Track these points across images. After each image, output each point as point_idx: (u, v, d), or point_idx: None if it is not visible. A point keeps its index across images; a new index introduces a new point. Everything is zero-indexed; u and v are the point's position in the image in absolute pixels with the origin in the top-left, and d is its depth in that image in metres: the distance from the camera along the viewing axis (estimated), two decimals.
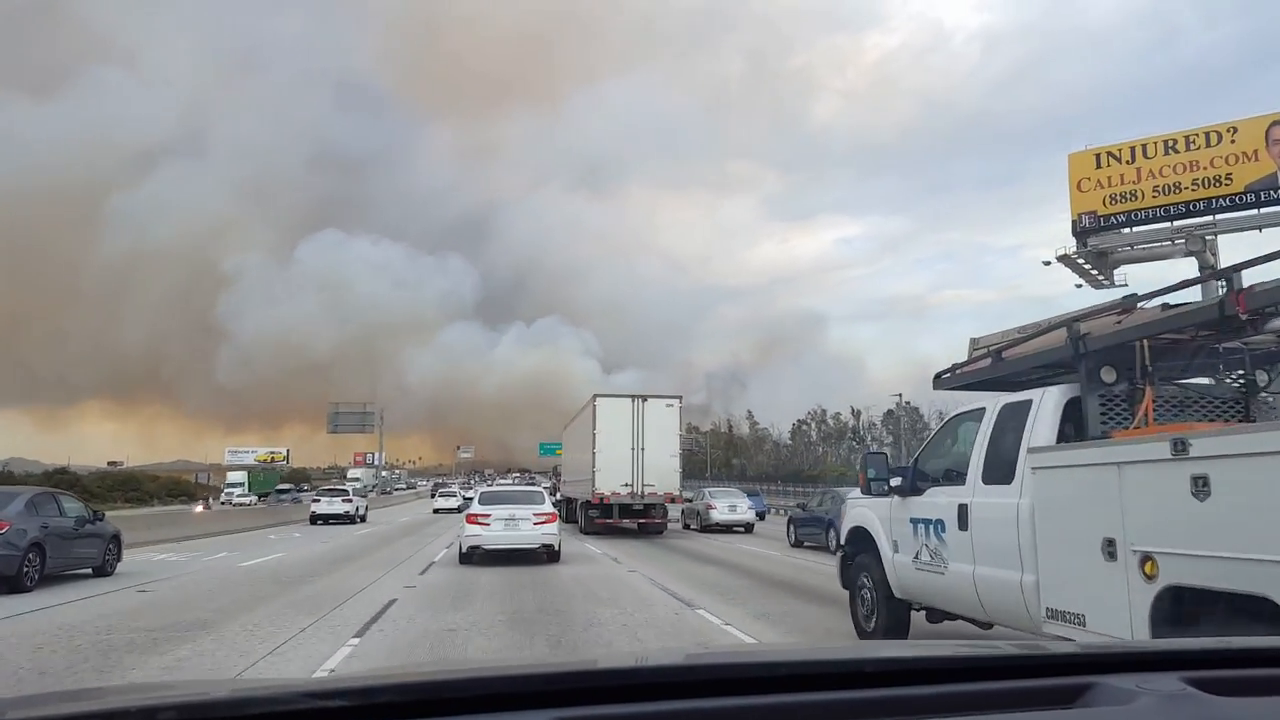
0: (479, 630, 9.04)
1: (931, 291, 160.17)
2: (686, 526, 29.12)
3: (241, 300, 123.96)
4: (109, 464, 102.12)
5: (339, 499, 35.11)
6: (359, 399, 64.54)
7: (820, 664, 1.42)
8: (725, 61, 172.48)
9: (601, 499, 24.79)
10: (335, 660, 7.48)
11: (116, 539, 15.24)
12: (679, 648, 7.44)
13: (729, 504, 28.09)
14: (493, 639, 8.55)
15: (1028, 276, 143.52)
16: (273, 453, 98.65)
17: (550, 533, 16.20)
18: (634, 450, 25.03)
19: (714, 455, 76.66)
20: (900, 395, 62.95)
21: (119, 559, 15.30)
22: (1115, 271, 36.86)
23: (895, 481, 6.93)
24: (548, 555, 16.20)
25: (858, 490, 7.53)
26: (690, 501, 29.33)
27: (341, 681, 1.24)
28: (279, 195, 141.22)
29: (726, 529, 27.82)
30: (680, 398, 25.84)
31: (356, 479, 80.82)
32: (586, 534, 26.28)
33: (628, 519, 25.65)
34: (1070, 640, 3.80)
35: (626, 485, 24.89)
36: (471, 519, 16.21)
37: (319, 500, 35.45)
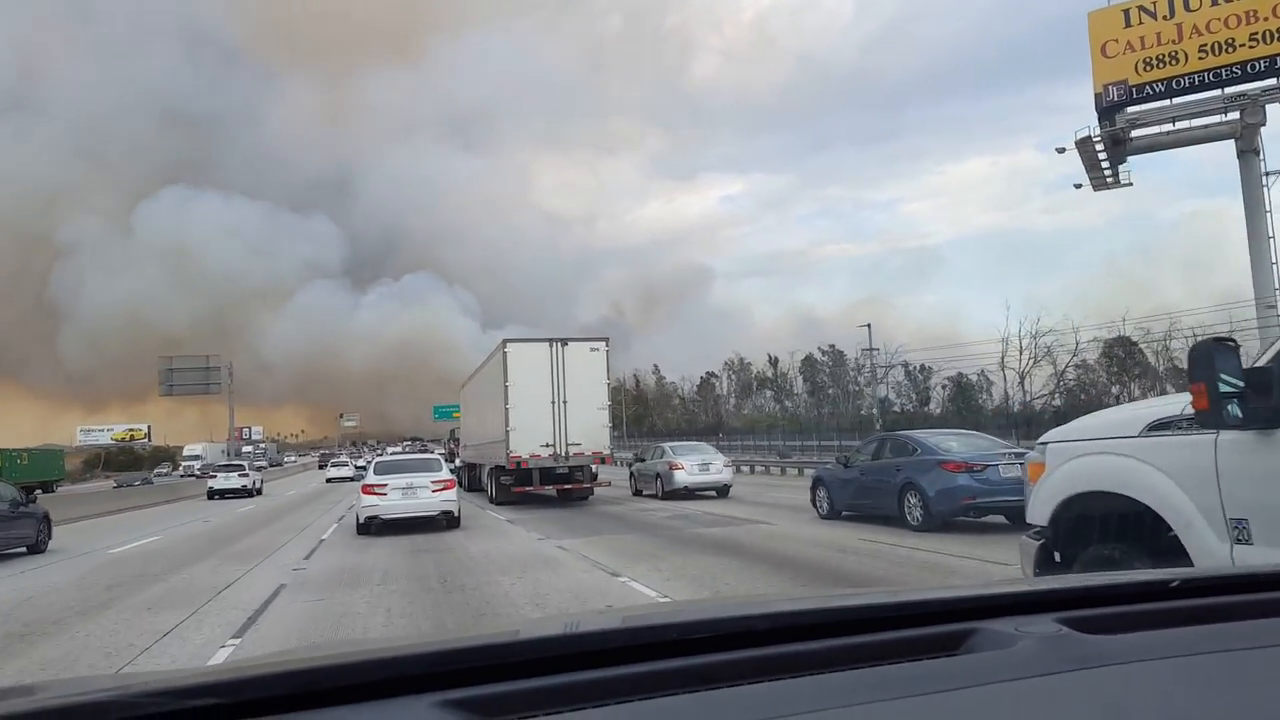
0: None
1: (813, 246, 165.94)
2: (638, 493, 24.38)
3: (80, 273, 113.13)
4: None
5: (235, 474, 36.88)
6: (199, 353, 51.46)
7: (705, 624, 1.40)
8: (602, 18, 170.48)
9: (518, 463, 21.33)
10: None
11: (47, 519, 16.77)
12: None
13: (699, 462, 22.36)
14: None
15: (905, 229, 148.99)
16: (132, 430, 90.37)
17: (449, 499, 16.51)
18: (555, 404, 21.60)
19: (626, 412, 73.75)
20: (833, 346, 61.14)
21: (50, 536, 16.76)
22: (1121, 167, 32.00)
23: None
24: (447, 521, 16.48)
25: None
26: (642, 462, 25.17)
27: (207, 675, 1.11)
28: (121, 157, 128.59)
29: (692, 494, 22.09)
30: (606, 339, 22.44)
31: (196, 455, 75.81)
32: (500, 504, 22.85)
33: (550, 485, 22.27)
34: (946, 586, 3.39)
35: (548, 446, 21.48)
36: (367, 489, 16.30)
37: (215, 476, 37.39)
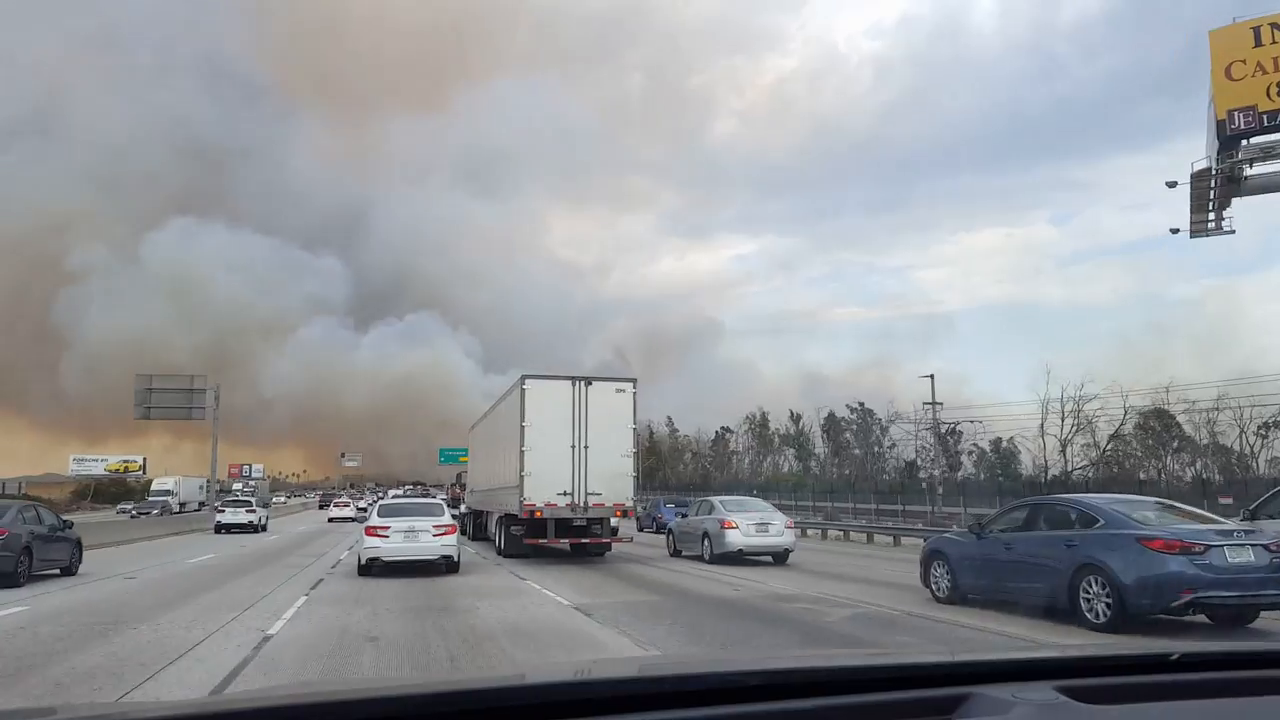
0: None
1: (823, 308, 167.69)
2: (677, 554, 21.69)
3: (85, 302, 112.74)
4: None
5: (243, 509, 38.66)
6: (185, 375, 44.87)
7: (699, 678, 1.45)
8: (625, 76, 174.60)
9: (532, 512, 19.49)
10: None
11: (79, 544, 18.17)
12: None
13: (756, 521, 19.09)
14: None
15: (915, 295, 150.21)
16: (126, 462, 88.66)
17: (449, 544, 16.80)
18: (575, 449, 19.84)
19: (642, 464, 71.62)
20: (860, 404, 59.30)
21: (81, 561, 18.15)
22: (1225, 211, 28.25)
23: None
24: (446, 566, 16.84)
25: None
26: (684, 518, 22.60)
27: (209, 705, 1.31)
28: (136, 186, 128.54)
29: (743, 558, 19.04)
30: (634, 381, 20.75)
31: (165, 490, 67.94)
32: (509, 556, 20.96)
33: (565, 538, 20.40)
34: (945, 649, 3.52)
35: (565, 494, 19.66)
36: (370, 531, 16.69)
37: (223, 510, 38.73)
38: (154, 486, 73.73)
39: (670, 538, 22.36)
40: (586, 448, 19.88)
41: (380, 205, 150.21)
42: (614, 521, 20.49)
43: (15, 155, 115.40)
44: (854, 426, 64.78)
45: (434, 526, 16.77)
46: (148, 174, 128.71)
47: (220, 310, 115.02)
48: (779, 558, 19.54)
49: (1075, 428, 50.40)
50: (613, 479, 19.96)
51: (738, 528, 19.07)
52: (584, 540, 20.38)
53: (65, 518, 19.54)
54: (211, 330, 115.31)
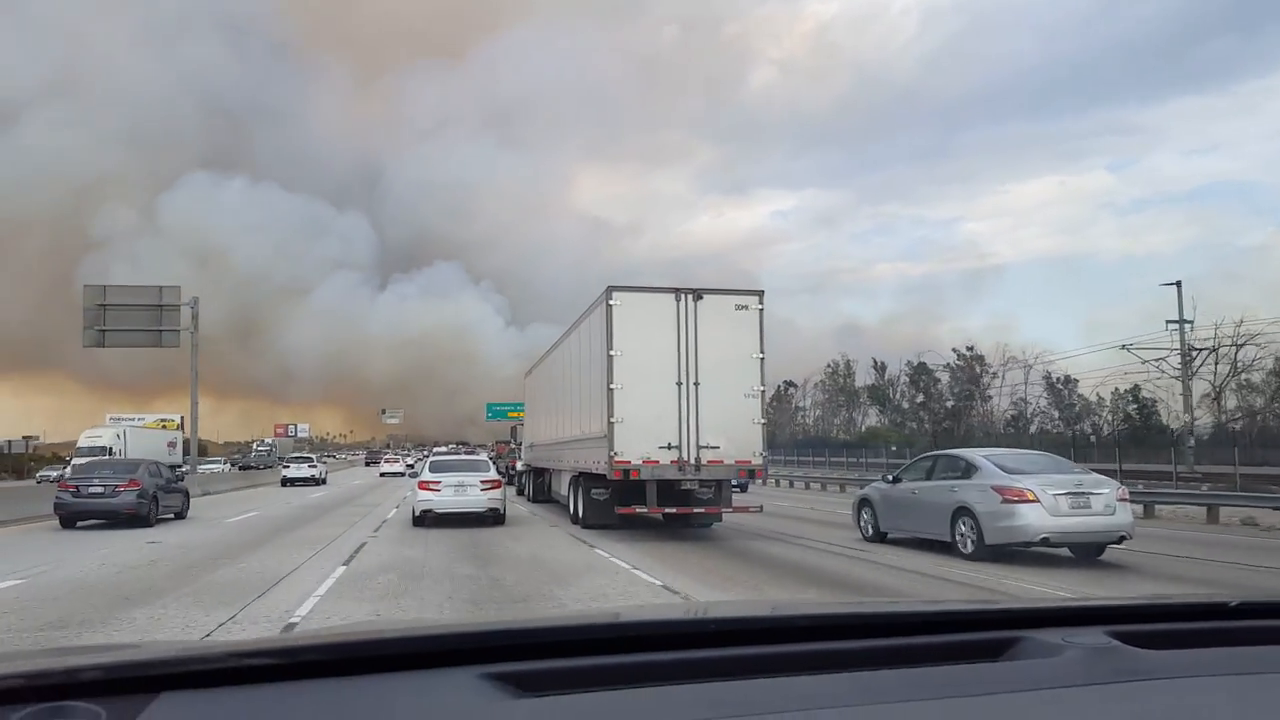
0: None
1: (866, 265, 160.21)
2: (879, 536, 14.39)
3: (110, 265, 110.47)
4: (25, 438, 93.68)
5: (305, 465, 43.21)
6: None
7: (750, 620, 1.56)
8: (659, 27, 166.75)
9: (626, 472, 14.53)
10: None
11: (187, 494, 21.81)
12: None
13: (1067, 489, 11.54)
14: None
15: (962, 249, 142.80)
16: (164, 420, 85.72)
17: (496, 498, 17.63)
18: (682, 387, 14.81)
19: None
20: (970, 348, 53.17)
21: (189, 508, 21.46)
22: None
23: None
24: (494, 518, 17.63)
25: None
26: (895, 483, 14.17)
27: (266, 642, 1.34)
28: (161, 147, 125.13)
29: (1025, 549, 11.82)
30: (760, 294, 15.51)
31: (100, 447, 45.70)
32: (590, 528, 16.26)
33: (672, 506, 15.44)
34: (999, 596, 3.50)
35: (670, 448, 14.67)
36: (423, 485, 17.75)
37: (288, 466, 43.89)
38: (83, 441, 50.20)
39: (866, 511, 14.94)
40: (697, 385, 14.82)
41: (404, 161, 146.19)
42: (735, 483, 15.49)
43: (43, 120, 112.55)
44: (951, 374, 58.65)
45: (481, 481, 17.68)
46: (172, 134, 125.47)
47: (244, 271, 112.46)
48: (1094, 548, 12.18)
49: (1233, 372, 43.87)
50: (734, 427, 14.90)
51: (1038, 500, 11.26)
52: (685, 510, 15.42)
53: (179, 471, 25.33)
54: (236, 291, 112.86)
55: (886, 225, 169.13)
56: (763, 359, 15.22)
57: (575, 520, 17.69)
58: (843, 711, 1.06)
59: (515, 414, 48.09)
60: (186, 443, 48.89)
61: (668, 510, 15.34)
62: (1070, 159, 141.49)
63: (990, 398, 58.47)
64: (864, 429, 63.59)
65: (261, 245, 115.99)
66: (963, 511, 11.89)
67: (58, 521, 18.15)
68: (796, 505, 24.67)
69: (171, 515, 19.97)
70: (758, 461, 15.02)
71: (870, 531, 14.59)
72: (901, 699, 1.11)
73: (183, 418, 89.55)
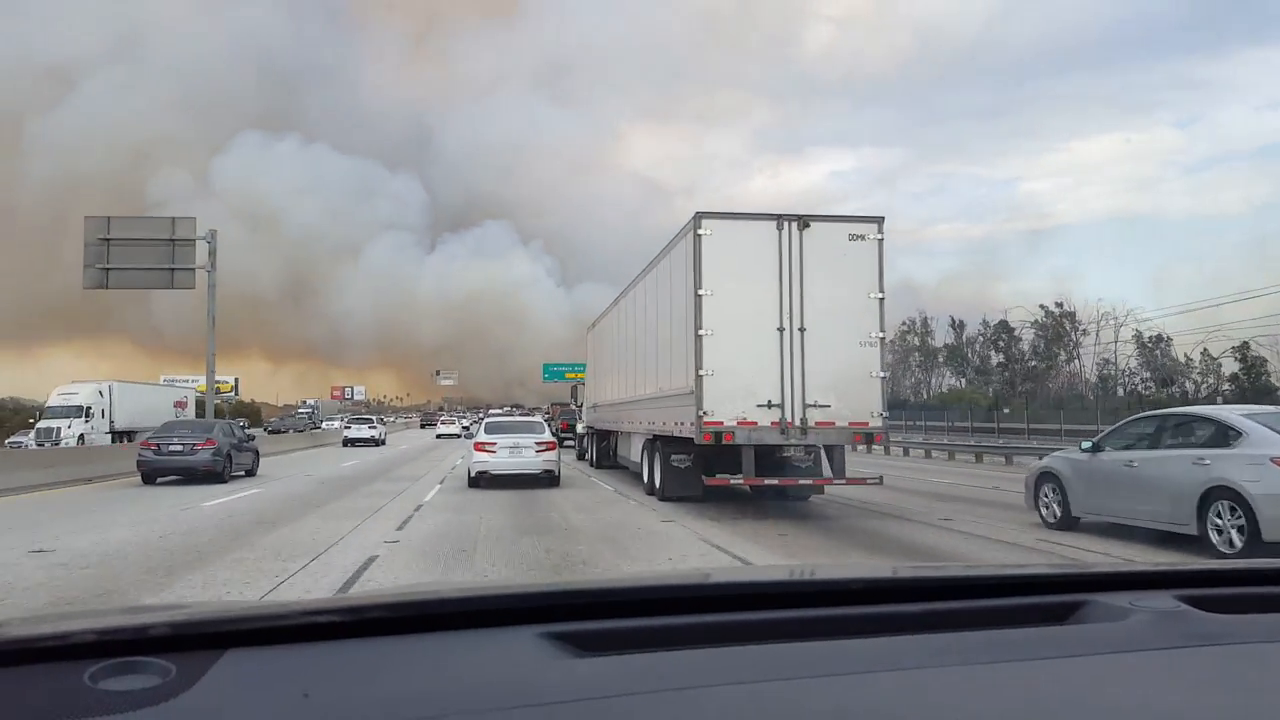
0: None
1: (923, 225, 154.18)
2: (1069, 520, 11.01)
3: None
4: None
5: (365, 426, 44.10)
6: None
7: (807, 583, 1.53)
8: None
9: (718, 435, 12.12)
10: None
11: (257, 453, 22.63)
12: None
13: None
14: None
15: (1022, 209, 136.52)
16: (218, 382, 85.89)
17: (551, 459, 17.44)
18: (785, 334, 12.34)
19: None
20: None
21: (259, 465, 22.33)
22: None
23: None
24: (548, 480, 17.43)
25: None
26: (1098, 452, 10.64)
27: (333, 601, 1.35)
28: (216, 109, 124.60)
29: None
30: (879, 221, 12.87)
31: (75, 407, 39.74)
32: (669, 500, 14.04)
33: (773, 478, 13.01)
34: (1066, 561, 3.29)
35: (770, 406, 12.24)
36: (479, 447, 17.62)
37: (350, 427, 44.68)
38: (54, 399, 41.84)
39: (1050, 489, 11.35)
40: (802, 331, 12.33)
41: (456, 121, 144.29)
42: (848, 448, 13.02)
43: (101, 84, 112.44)
44: (1037, 332, 54.84)
45: (536, 443, 17.50)
46: (227, 97, 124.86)
47: (297, 233, 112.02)
48: None
49: None
50: (847, 382, 12.39)
51: None
52: (804, 480, 13.00)
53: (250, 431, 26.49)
54: (290, 252, 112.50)
55: (945, 184, 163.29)
56: (882, 299, 12.62)
57: (651, 491, 15.41)
58: (905, 674, 1.05)
59: (574, 375, 46.19)
60: (205, 405, 42.22)
61: (768, 481, 12.89)
62: (1135, 114, 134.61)
63: (1076, 358, 54.68)
64: (944, 390, 60.21)
65: (314, 207, 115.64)
66: (1220, 493, 8.74)
67: (139, 478, 19.15)
68: (915, 476, 21.19)
69: (243, 473, 20.90)
70: (876, 424, 12.47)
71: (1056, 515, 11.09)
72: (964, 662, 1.09)
73: (237, 380, 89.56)
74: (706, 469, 13.61)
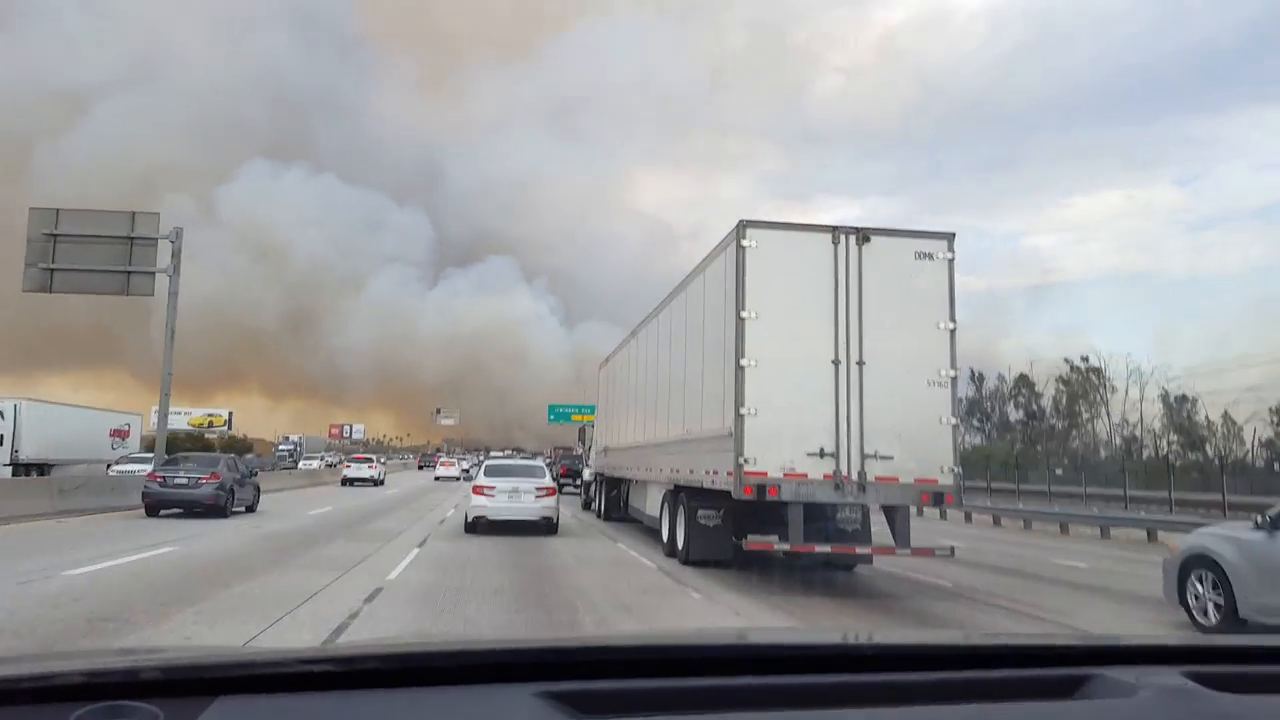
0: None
1: None
2: (1239, 625, 8.05)
3: (165, 258, 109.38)
4: None
5: (365, 466, 43.59)
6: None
7: (820, 647, 1.48)
8: (726, 33, 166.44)
9: (761, 489, 10.09)
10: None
11: (258, 488, 22.48)
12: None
13: None
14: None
15: (1026, 263, 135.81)
16: (211, 415, 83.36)
17: (550, 506, 16.90)
18: (840, 367, 10.39)
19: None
20: None
21: (259, 501, 22.16)
22: None
23: None
24: (546, 527, 16.81)
25: None
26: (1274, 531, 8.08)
27: (329, 650, 1.32)
28: (226, 138, 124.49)
29: None
30: (950, 238, 10.95)
31: None
32: (694, 564, 12.10)
33: (824, 544, 10.90)
34: (1071, 632, 3.45)
35: (823, 456, 10.21)
36: (477, 490, 17.07)
37: (349, 466, 44.02)
38: None
39: (1204, 579, 8.73)
40: (861, 365, 10.39)
41: (466, 157, 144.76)
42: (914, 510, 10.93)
43: (112, 111, 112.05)
44: (1060, 388, 52.66)
45: (536, 488, 16.96)
46: (237, 126, 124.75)
47: (300, 265, 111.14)
48: None
49: None
50: (913, 428, 10.40)
51: None
52: (862, 549, 10.90)
53: (253, 468, 25.20)
54: (292, 285, 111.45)
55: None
56: (954, 331, 10.68)
57: (672, 552, 13.35)
58: None
59: (580, 417, 44.36)
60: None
61: (819, 548, 10.77)
62: (1137, 170, 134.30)
63: (1104, 415, 52.49)
64: (968, 447, 58.03)
65: (319, 238, 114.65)
66: None
67: (143, 510, 19.12)
68: (991, 548, 17.77)
69: (243, 508, 20.84)
70: (947, 481, 10.40)
71: (1214, 614, 8.42)
72: None
73: (231, 414, 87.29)
74: (737, 528, 11.62)
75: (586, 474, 27.42)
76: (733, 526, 11.84)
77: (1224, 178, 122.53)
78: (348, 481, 41.57)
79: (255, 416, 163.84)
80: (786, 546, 10.34)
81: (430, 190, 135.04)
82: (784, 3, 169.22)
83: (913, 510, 11.62)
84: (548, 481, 17.52)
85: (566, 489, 30.10)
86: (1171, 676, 1.25)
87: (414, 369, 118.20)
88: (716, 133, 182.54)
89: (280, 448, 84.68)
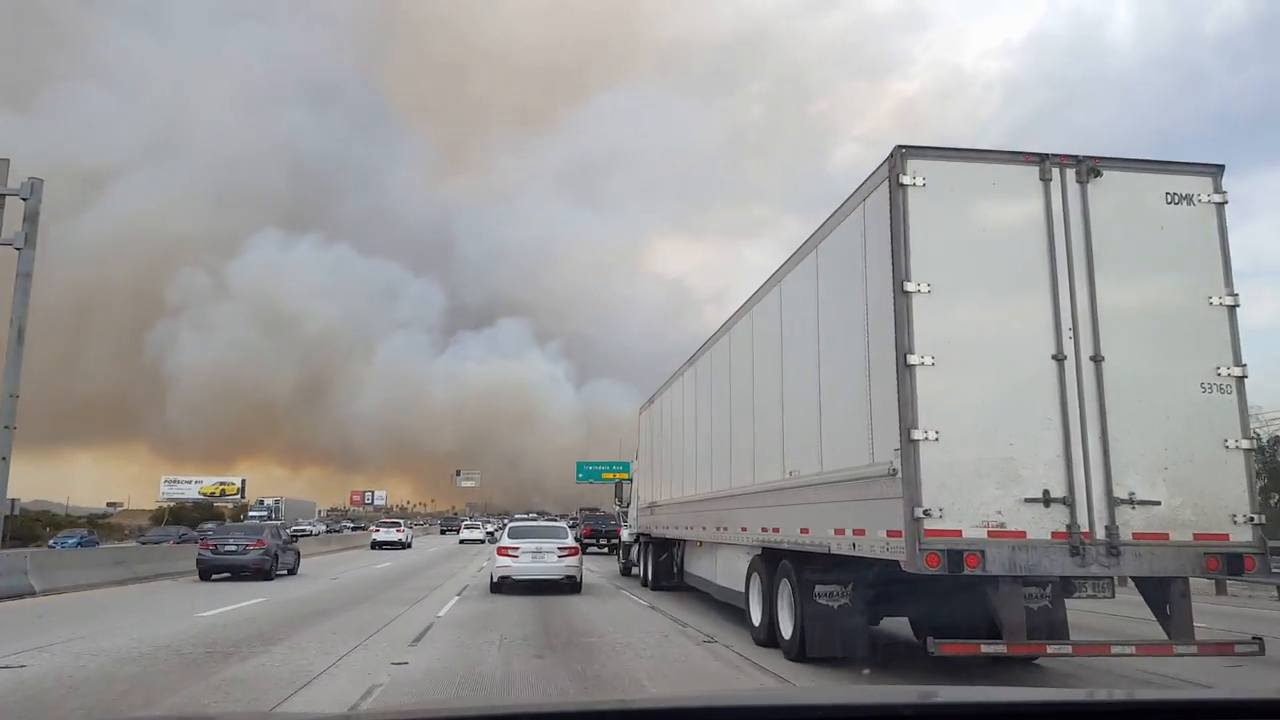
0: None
1: None
2: None
3: (182, 331, 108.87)
4: (108, 505, 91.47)
5: (393, 530, 44.04)
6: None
7: (855, 707, 1.41)
8: (747, 105, 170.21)
9: (954, 555, 6.28)
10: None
11: (298, 553, 24.32)
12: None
13: None
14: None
15: None
16: (223, 484, 79.93)
17: (573, 565, 17.12)
18: (1065, 364, 6.66)
19: None
20: None
21: (299, 565, 23.96)
22: None
23: None
24: (569, 585, 16.99)
25: None
26: None
27: (365, 716, 0.87)
28: (243, 210, 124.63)
29: None
30: (1219, 170, 7.33)
31: None
32: (815, 659, 8.49)
33: (1053, 642, 7.03)
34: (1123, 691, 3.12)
35: (1050, 500, 6.44)
36: (502, 551, 17.41)
37: (378, 530, 44.79)
38: None
39: None
40: (1098, 362, 6.71)
41: (483, 227, 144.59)
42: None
43: (131, 186, 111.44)
44: None
45: (559, 548, 17.17)
46: (256, 197, 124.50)
47: (314, 335, 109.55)
48: None
49: None
50: (1187, 457, 6.65)
51: None
52: (1111, 649, 6.98)
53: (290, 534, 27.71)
54: (307, 355, 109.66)
55: None
56: (1234, 306, 6.97)
57: (768, 640, 9.50)
58: None
59: (612, 475, 41.30)
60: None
61: (1053, 648, 6.86)
62: None
63: None
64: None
65: (333, 309, 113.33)
66: None
67: (196, 575, 20.83)
68: None
69: (285, 571, 22.34)
70: (1244, 536, 6.61)
71: None
72: None
73: (244, 481, 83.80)
74: (871, 609, 7.92)
75: (626, 534, 23.67)
76: (862, 604, 8.14)
77: (1248, 235, 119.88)
78: (376, 545, 42.63)
79: (276, 485, 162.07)
80: (1002, 649, 6.48)
81: (447, 259, 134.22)
82: (804, 75, 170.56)
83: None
84: (570, 541, 17.76)
85: (590, 549, 32.12)
86: None
87: (429, 435, 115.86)
88: (738, 200, 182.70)
89: (253, 513, 76.20)
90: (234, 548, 20.83)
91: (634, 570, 21.46)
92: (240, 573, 20.49)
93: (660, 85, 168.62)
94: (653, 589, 17.87)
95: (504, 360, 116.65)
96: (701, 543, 14.19)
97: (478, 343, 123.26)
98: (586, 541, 32.30)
